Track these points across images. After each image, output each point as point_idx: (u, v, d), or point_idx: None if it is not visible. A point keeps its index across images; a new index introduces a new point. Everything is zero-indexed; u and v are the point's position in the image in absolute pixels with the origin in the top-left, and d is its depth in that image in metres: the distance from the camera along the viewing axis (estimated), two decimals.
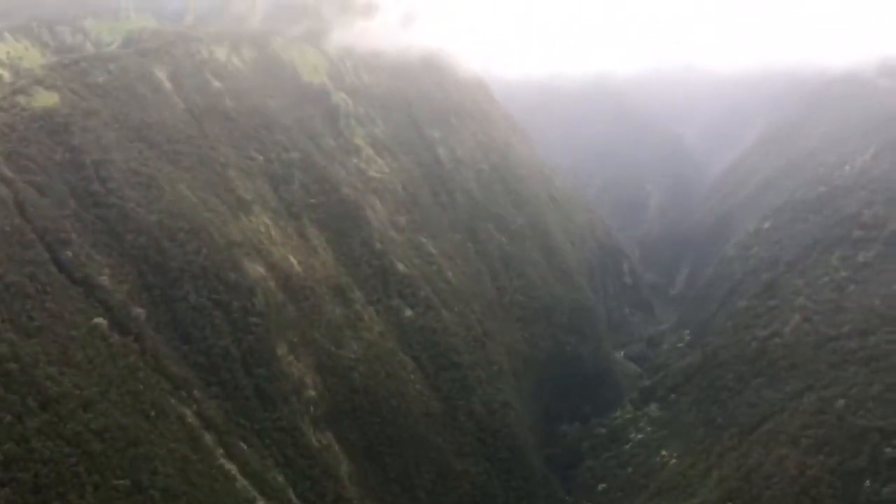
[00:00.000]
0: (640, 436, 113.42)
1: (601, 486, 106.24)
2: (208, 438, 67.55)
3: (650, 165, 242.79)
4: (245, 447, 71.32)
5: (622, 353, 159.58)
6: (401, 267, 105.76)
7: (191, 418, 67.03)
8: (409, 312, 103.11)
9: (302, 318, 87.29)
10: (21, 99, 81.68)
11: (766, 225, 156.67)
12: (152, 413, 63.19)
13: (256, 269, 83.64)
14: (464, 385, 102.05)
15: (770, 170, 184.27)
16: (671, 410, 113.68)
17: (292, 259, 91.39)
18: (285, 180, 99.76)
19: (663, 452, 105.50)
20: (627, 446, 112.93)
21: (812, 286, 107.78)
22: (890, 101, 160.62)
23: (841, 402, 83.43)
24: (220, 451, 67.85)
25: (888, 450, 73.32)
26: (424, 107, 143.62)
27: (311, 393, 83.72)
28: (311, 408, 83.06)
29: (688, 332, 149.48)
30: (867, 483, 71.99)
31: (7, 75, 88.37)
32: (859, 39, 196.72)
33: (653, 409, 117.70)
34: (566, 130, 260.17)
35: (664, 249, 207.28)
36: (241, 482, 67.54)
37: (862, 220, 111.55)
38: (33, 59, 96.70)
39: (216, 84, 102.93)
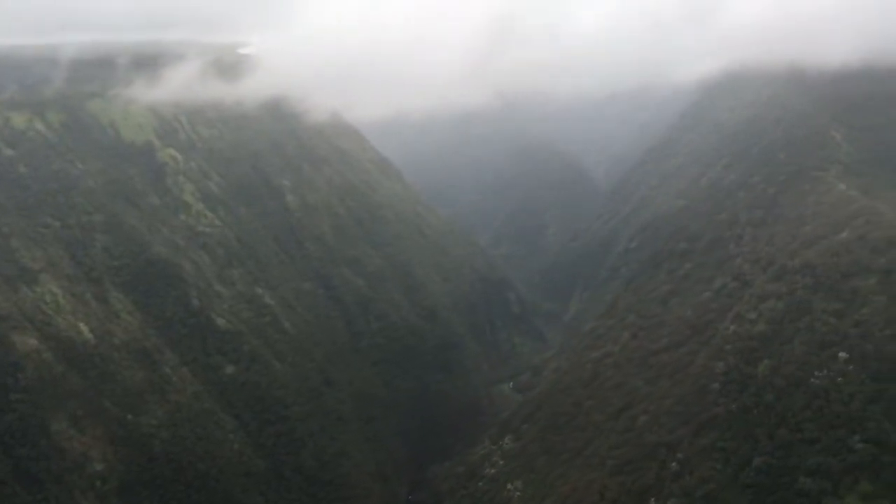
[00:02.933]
0: (492, 470, 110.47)
1: None
2: None
3: (550, 193, 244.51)
4: None
5: (511, 384, 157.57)
6: (221, 322, 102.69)
7: None
8: (230, 369, 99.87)
9: (88, 387, 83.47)
10: None
11: (633, 244, 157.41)
12: None
13: (27, 343, 79.88)
14: (291, 439, 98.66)
15: (646, 187, 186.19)
16: (521, 441, 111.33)
17: (83, 327, 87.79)
18: (85, 245, 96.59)
19: (509, 486, 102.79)
20: (481, 483, 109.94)
21: (643, 302, 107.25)
22: (744, 111, 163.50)
23: (643, 419, 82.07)
24: None
25: (673, 464, 71.63)
26: (274, 156, 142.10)
27: (98, 467, 79.52)
28: (98, 483, 78.85)
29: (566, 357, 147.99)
30: (652, 501, 70.04)
31: None
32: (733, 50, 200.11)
33: (507, 441, 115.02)
34: (475, 167, 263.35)
35: (560, 275, 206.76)
36: None
37: (689, 232, 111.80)
38: None
39: (8, 152, 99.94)
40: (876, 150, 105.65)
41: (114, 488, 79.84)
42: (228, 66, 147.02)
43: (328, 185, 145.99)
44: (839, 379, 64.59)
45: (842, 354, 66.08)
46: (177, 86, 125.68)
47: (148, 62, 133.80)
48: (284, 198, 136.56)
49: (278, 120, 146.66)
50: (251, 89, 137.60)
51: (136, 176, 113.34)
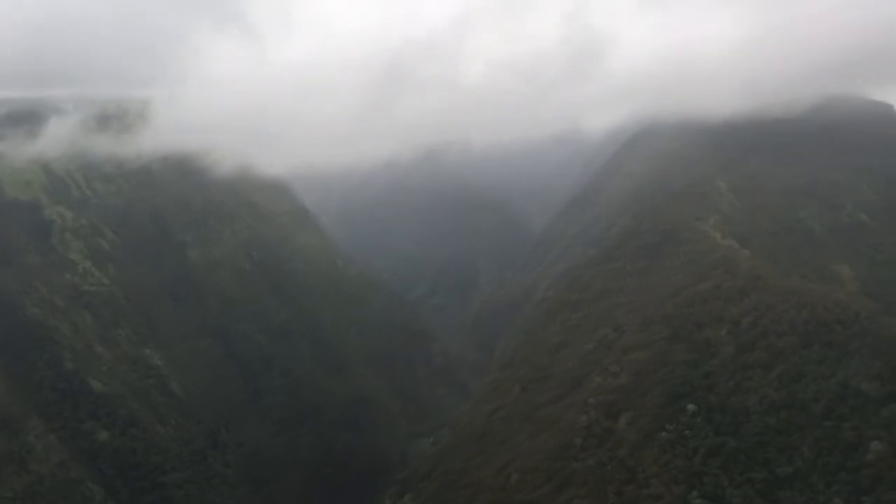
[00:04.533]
0: None
1: None
2: None
3: (482, 242, 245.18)
4: None
5: (431, 439, 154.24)
6: (97, 385, 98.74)
7: None
8: (104, 435, 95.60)
9: None
10: None
11: (550, 293, 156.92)
12: None
13: None
14: None
15: (567, 236, 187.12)
16: (420, 499, 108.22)
17: None
18: None
19: None
20: None
21: (536, 353, 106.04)
22: (655, 161, 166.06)
23: (515, 477, 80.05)
24: None
25: None
26: (177, 211, 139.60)
27: None
28: None
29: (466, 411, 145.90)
30: None
31: None
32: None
33: (406, 500, 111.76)
34: (411, 217, 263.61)
35: (487, 325, 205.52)
36: None
37: (581, 282, 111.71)
38: None
39: None
40: (757, 199, 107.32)
41: None
42: (129, 119, 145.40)
43: (234, 239, 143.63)
44: (686, 432, 63.67)
45: (690, 406, 65.32)
46: (70, 142, 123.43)
47: (37, 117, 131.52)
48: (186, 253, 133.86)
49: (184, 175, 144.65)
50: (154, 143, 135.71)
51: (16, 234, 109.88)
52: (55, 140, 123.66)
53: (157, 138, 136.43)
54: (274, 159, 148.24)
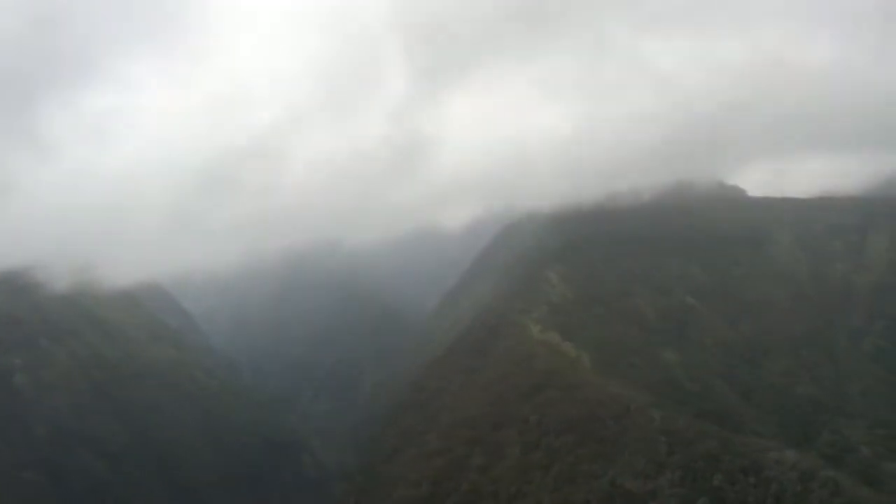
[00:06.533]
0: None
1: None
2: None
3: (368, 341, 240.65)
4: None
5: None
6: None
7: None
8: None
9: None
10: None
11: (399, 397, 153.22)
12: None
13: None
14: None
15: (440, 331, 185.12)
16: None
17: None
18: None
19: None
20: None
21: (372, 463, 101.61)
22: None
23: None
24: None
25: None
26: (4, 333, 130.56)
27: None
28: None
29: None
30: None
31: None
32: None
33: None
34: (303, 321, 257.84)
35: (370, 429, 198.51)
36: None
37: (422, 383, 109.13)
38: None
39: None
40: (587, 288, 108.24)
41: None
42: None
43: (71, 358, 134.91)
44: None
45: None
46: None
47: None
48: (12, 378, 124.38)
49: (14, 293, 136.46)
50: None
51: None
52: None
53: None
54: (121, 271, 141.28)
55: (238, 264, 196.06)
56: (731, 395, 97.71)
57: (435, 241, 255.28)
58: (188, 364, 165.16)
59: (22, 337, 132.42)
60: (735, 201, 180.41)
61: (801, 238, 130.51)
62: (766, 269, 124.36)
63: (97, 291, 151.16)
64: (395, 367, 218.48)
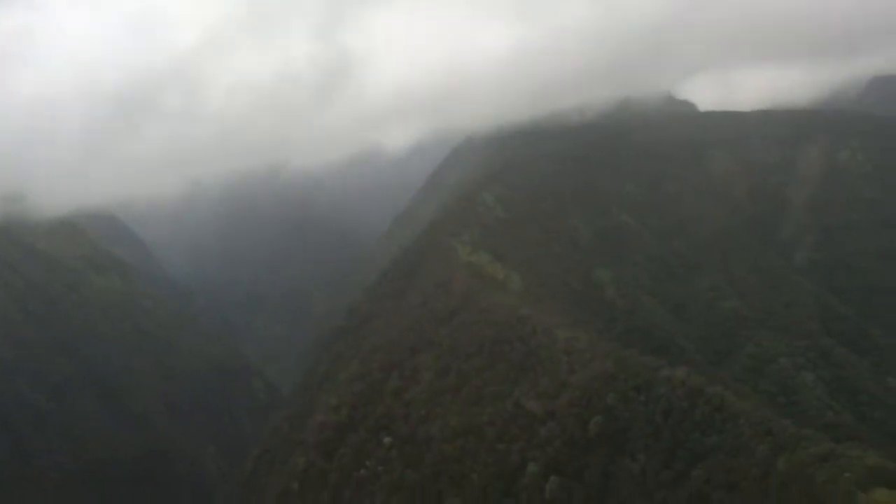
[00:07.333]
0: None
1: None
2: None
3: (319, 265, 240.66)
4: None
5: None
6: None
7: None
8: None
9: None
10: None
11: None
12: None
13: None
14: None
15: (390, 258, 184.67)
16: None
17: None
18: None
19: None
20: None
21: (307, 388, 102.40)
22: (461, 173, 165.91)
23: None
24: None
25: None
26: None
27: None
28: None
29: None
30: None
31: None
32: None
33: None
34: (257, 246, 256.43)
35: (318, 353, 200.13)
36: None
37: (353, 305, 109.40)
38: None
39: None
40: (523, 209, 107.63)
41: None
42: None
43: (5, 290, 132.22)
44: (380, 468, 61.05)
45: (386, 440, 62.83)
46: None
47: None
48: None
49: None
50: None
51: None
52: None
53: None
54: (54, 200, 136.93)
55: (180, 193, 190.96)
56: (661, 311, 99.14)
57: (382, 164, 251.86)
58: (136, 294, 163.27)
59: None
60: (680, 116, 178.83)
61: (737, 152, 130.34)
62: (703, 184, 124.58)
63: (32, 221, 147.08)
64: (345, 291, 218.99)
